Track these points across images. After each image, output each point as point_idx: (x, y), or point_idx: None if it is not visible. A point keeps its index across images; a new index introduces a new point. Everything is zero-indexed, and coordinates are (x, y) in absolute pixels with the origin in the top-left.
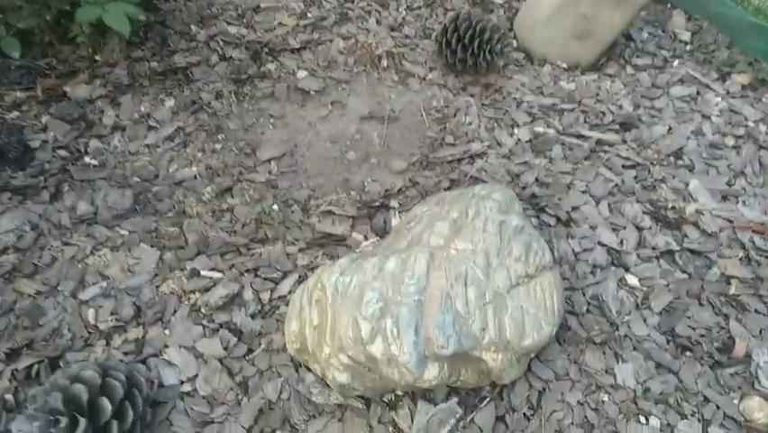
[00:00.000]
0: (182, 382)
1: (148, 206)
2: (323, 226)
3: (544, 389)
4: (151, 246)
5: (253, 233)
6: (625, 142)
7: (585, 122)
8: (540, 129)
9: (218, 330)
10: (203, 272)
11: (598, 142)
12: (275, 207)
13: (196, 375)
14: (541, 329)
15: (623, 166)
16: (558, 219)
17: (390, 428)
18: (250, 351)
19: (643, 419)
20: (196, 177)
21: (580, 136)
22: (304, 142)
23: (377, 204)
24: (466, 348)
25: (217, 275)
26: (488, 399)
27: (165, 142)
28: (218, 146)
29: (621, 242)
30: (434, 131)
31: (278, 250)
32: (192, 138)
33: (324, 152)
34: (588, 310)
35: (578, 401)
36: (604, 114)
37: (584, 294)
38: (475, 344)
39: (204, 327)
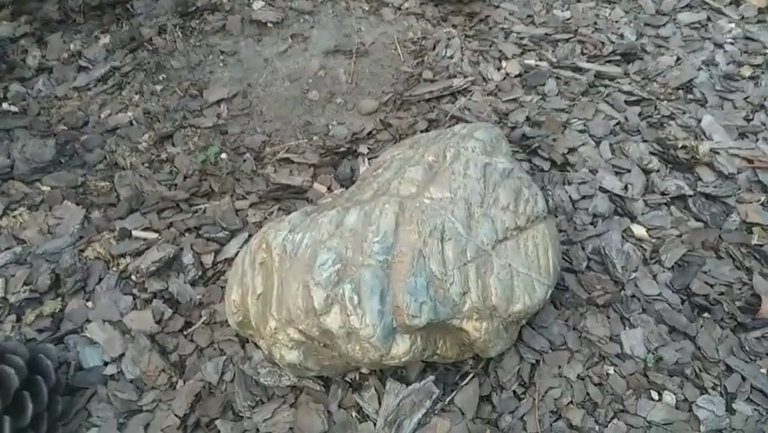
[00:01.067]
0: (105, 364)
1: (74, 157)
2: (279, 177)
3: (537, 362)
4: (77, 204)
5: (196, 186)
6: (627, 75)
7: (582, 53)
8: (531, 62)
9: (151, 301)
10: (135, 233)
11: (598, 75)
12: (223, 155)
13: (123, 355)
14: (533, 292)
15: (626, 102)
16: (553, 163)
17: (354, 414)
18: (188, 325)
19: (655, 395)
20: (131, 123)
21: (576, 69)
22: (259, 81)
23: (343, 150)
24: (443, 317)
25: (152, 236)
26: (470, 375)
27: (97, 85)
28: (159, 88)
29: (626, 187)
30: (409, 66)
31: (225, 205)
32: (129, 79)
33: (283, 91)
34: (588, 267)
35: (578, 376)
36: (603, 44)
37: (584, 248)
38: (454, 311)
39: (134, 297)
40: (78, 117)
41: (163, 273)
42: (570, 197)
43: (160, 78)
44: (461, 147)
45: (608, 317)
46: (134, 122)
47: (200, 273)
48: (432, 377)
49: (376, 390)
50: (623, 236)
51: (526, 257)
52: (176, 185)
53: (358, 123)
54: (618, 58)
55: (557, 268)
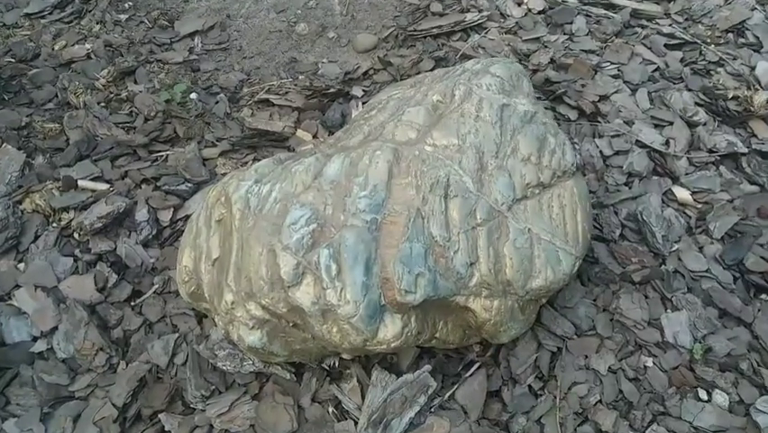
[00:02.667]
0: (34, 339)
1: (20, 94)
2: (256, 121)
3: (559, 350)
4: (18, 148)
5: (158, 129)
6: (668, 15)
7: None
8: None
9: (94, 264)
10: (82, 183)
11: (634, 14)
12: (193, 95)
13: (55, 329)
14: (557, 264)
15: (666, 45)
16: (581, 112)
17: (331, 409)
18: (136, 294)
19: (704, 395)
20: (89, 56)
21: (609, 6)
22: (240, 11)
23: (332, 91)
24: (444, 293)
25: (102, 187)
26: (476, 365)
27: (53, 12)
28: (123, 17)
29: (667, 142)
30: None
31: (190, 153)
32: (90, 6)
33: (267, 24)
34: (622, 236)
35: (609, 368)
36: None
37: (617, 213)
38: (458, 286)
39: (75, 258)
40: (28, 49)
41: (111, 232)
42: (601, 152)
43: (126, 5)
44: (474, 84)
45: (647, 297)
46: (93, 55)
47: (155, 232)
48: (428, 367)
49: (359, 380)
50: (663, 200)
51: (550, 221)
52: (135, 128)
53: (352, 61)
54: None
55: (587, 235)
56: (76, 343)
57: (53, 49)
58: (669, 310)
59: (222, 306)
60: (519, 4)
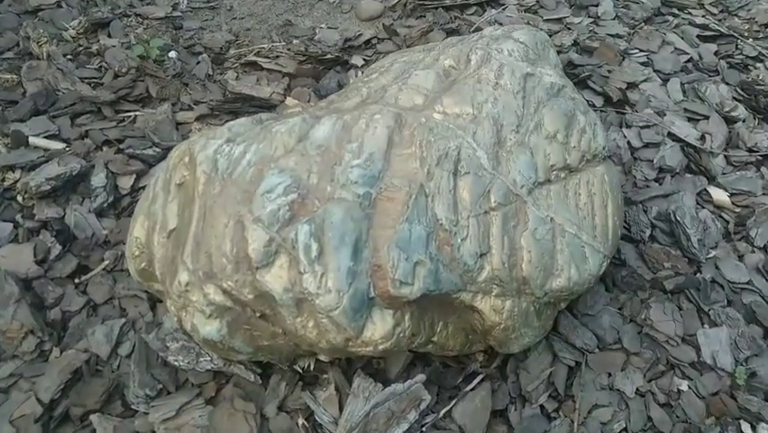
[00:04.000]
0: None
1: None
2: (241, 86)
3: (578, 365)
4: None
5: (128, 87)
6: (701, 5)
7: None
8: None
9: (37, 232)
10: (33, 140)
11: (665, 1)
12: (172, 53)
13: None
14: (583, 262)
15: (699, 37)
16: (607, 98)
17: (300, 421)
18: (82, 270)
19: (747, 428)
20: (60, 5)
21: None
22: None
23: (329, 57)
24: (447, 288)
25: (57, 146)
26: (479, 377)
27: None
28: None
29: (702, 137)
30: None
31: (161, 114)
32: None
33: None
34: (652, 237)
35: (637, 390)
36: None
37: (646, 211)
38: (465, 280)
39: (15, 225)
40: None
41: (62, 197)
42: (629, 142)
43: None
44: (493, 49)
45: (680, 309)
46: (64, 4)
47: (112, 200)
48: (422, 376)
49: (337, 388)
50: (698, 201)
51: (577, 211)
52: (102, 84)
53: (354, 29)
54: None
55: (617, 232)
56: (1, 323)
57: None
58: (706, 325)
59: (174, 287)
60: None
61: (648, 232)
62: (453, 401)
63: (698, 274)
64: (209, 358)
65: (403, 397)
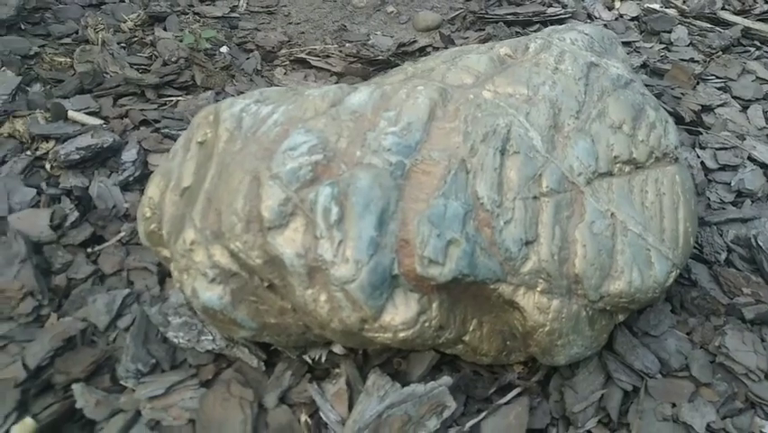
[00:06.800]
0: None
1: (38, 26)
2: (288, 81)
3: (635, 390)
4: (18, 75)
5: (175, 73)
6: None
7: (724, 8)
8: (654, 5)
9: (58, 200)
10: (72, 114)
11: (746, 33)
12: (224, 48)
13: None
14: (647, 267)
15: None
16: (678, 118)
17: (303, 418)
18: (97, 240)
19: None
20: (123, 0)
21: (717, 21)
22: None
23: (380, 59)
24: (484, 274)
25: (94, 122)
26: (516, 390)
27: None
28: None
29: None
30: None
31: (203, 101)
32: None
33: None
34: (728, 261)
35: (708, 426)
36: (755, 1)
37: (722, 234)
38: (505, 270)
39: (39, 191)
40: None
41: (90, 169)
42: (702, 163)
43: None
44: (556, 39)
45: (763, 340)
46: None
47: (138, 175)
48: (448, 379)
49: (349, 384)
50: None
51: (642, 209)
52: (149, 70)
53: (410, 37)
54: None
55: (689, 240)
56: (2, 281)
57: None
58: None
59: (179, 245)
60: (610, 9)
61: (724, 255)
62: (483, 414)
63: None
64: (211, 338)
65: (423, 400)
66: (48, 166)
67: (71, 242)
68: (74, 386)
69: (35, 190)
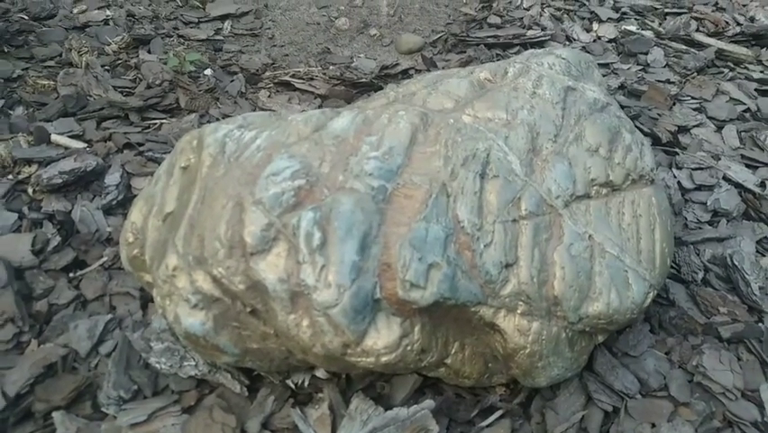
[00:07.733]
0: None
1: (22, 49)
2: (271, 103)
3: (615, 411)
4: (0, 98)
5: (159, 96)
6: (759, 61)
7: (699, 30)
8: (631, 27)
9: (40, 224)
10: (55, 138)
11: (720, 54)
12: (208, 71)
13: None
14: (625, 288)
15: (757, 90)
16: (655, 139)
17: None
18: (79, 265)
19: None
20: (107, 22)
21: (692, 43)
22: (280, 2)
23: (363, 81)
24: (465, 297)
25: (77, 145)
26: (498, 413)
27: None
28: None
29: (762, 183)
30: (473, 8)
31: (187, 124)
32: None
33: (306, 17)
34: (705, 281)
35: None
36: (728, 23)
37: (699, 253)
38: (486, 292)
39: (21, 216)
40: (45, 8)
41: (72, 193)
42: (679, 183)
43: None
44: (534, 63)
45: (739, 359)
46: (111, 22)
47: (121, 199)
48: (430, 402)
49: (332, 408)
50: (757, 248)
51: (620, 231)
52: (134, 93)
53: (392, 60)
54: (747, 40)
55: (666, 261)
56: None
57: (72, 11)
58: None
59: (161, 271)
60: (588, 31)
61: (701, 274)
62: None
63: (760, 324)
64: (194, 363)
65: (406, 424)
66: (30, 190)
67: (53, 267)
68: (54, 414)
69: (17, 215)
